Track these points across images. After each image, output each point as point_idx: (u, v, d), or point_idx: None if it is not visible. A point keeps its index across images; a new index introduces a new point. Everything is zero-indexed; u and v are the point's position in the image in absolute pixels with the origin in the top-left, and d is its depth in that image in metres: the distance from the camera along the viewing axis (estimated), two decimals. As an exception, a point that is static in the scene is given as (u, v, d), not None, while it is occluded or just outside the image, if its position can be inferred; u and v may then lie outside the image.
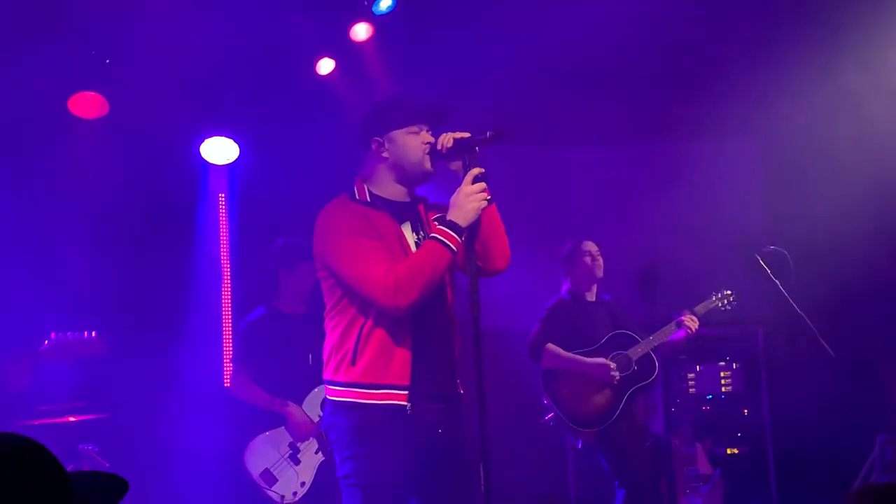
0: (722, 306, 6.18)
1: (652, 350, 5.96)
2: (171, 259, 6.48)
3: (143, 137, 6.27)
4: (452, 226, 3.65)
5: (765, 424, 7.06)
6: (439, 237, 3.64)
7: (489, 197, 3.70)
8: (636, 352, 5.93)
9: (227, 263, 6.77)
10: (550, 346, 5.90)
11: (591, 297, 6.17)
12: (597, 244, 6.16)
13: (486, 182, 3.73)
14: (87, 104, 6.16)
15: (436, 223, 3.80)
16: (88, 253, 6.13)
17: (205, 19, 5.78)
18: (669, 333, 6.00)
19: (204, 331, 6.59)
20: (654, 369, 5.96)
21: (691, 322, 5.98)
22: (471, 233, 3.67)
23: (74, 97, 6.13)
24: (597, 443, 5.87)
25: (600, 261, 6.12)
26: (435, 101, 3.96)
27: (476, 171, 3.68)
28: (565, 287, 6.20)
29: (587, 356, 5.89)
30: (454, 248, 3.64)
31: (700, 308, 6.10)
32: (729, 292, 6.18)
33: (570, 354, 5.88)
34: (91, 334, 5.17)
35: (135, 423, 5.87)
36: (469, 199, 3.66)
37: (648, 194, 7.20)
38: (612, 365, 5.83)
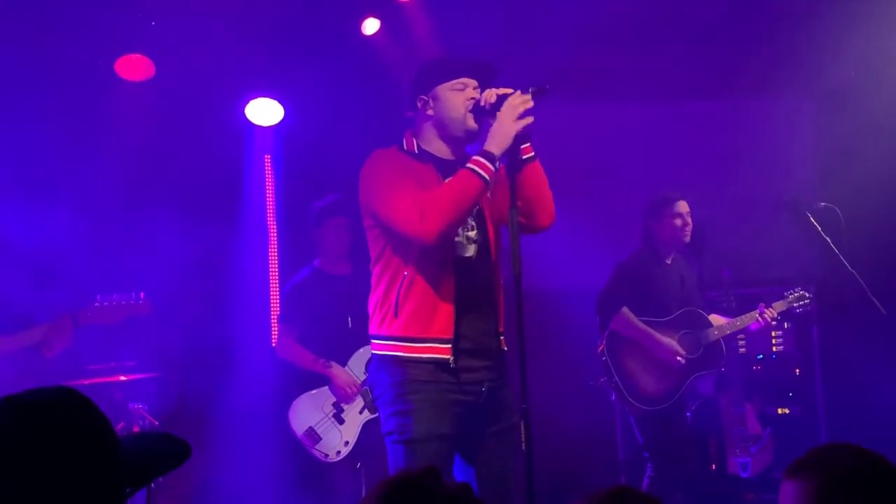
0: (797, 306, 6.01)
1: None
2: (218, 220, 6.49)
3: (189, 100, 6.30)
4: (486, 154, 3.63)
5: (816, 384, 6.97)
6: (473, 167, 3.62)
7: (531, 121, 3.63)
8: (708, 337, 5.74)
9: (273, 224, 6.79)
10: (626, 310, 5.64)
11: (668, 259, 5.86)
12: (687, 202, 5.81)
13: (530, 138, 3.72)
14: (134, 66, 6.18)
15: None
16: (136, 215, 6.20)
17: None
18: (745, 325, 5.86)
19: (251, 291, 6.63)
20: (722, 358, 5.81)
21: (770, 319, 5.86)
22: (514, 189, 3.64)
23: (121, 59, 6.15)
24: (639, 415, 5.75)
25: (690, 226, 5.80)
26: (481, 57, 3.93)
27: (509, 95, 3.62)
28: (643, 243, 5.89)
29: (656, 329, 5.66)
30: (487, 176, 3.60)
31: (777, 305, 5.94)
32: (804, 292, 6.02)
33: (643, 326, 5.63)
34: (138, 296, 5.22)
35: (183, 383, 5.94)
36: (502, 124, 3.61)
37: (698, 152, 7.11)
38: (682, 352, 5.61)
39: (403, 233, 3.63)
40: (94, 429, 1.64)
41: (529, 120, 3.62)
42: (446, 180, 3.70)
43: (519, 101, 3.60)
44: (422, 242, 3.61)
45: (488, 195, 3.86)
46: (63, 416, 1.61)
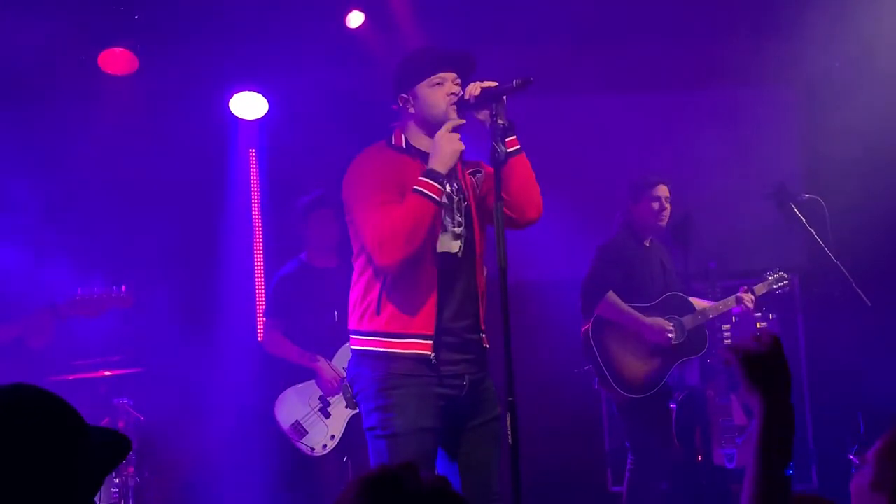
0: (777, 288, 6.03)
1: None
2: (203, 215, 6.49)
3: (173, 93, 6.27)
4: (432, 175, 3.63)
5: (801, 374, 6.99)
6: (420, 189, 3.61)
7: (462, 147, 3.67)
8: (691, 321, 5.72)
9: (258, 218, 6.78)
10: (612, 295, 5.58)
11: (647, 242, 5.83)
12: (668, 187, 5.76)
13: (515, 131, 3.72)
14: (117, 61, 6.15)
15: (470, 176, 3.84)
16: (120, 209, 6.18)
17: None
18: (727, 309, 5.86)
19: (236, 285, 6.62)
20: (705, 343, 5.81)
21: (749, 302, 5.84)
22: (499, 182, 3.64)
23: (104, 54, 6.12)
24: (622, 404, 5.72)
25: (668, 210, 5.76)
26: (456, 48, 3.91)
27: (452, 123, 3.69)
28: (620, 224, 5.86)
29: (641, 314, 5.64)
30: (436, 197, 3.62)
31: (758, 288, 5.95)
32: (783, 273, 6.03)
33: (630, 310, 5.59)
34: (120, 289, 5.20)
35: (168, 377, 5.92)
36: (442, 144, 3.65)
37: (683, 143, 7.10)
38: (670, 327, 5.59)
39: (369, 254, 3.67)
40: (68, 426, 1.64)
41: (461, 147, 3.70)
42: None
43: (446, 133, 3.68)
44: (383, 270, 3.65)
45: (477, 191, 3.87)
46: (36, 414, 1.61)
